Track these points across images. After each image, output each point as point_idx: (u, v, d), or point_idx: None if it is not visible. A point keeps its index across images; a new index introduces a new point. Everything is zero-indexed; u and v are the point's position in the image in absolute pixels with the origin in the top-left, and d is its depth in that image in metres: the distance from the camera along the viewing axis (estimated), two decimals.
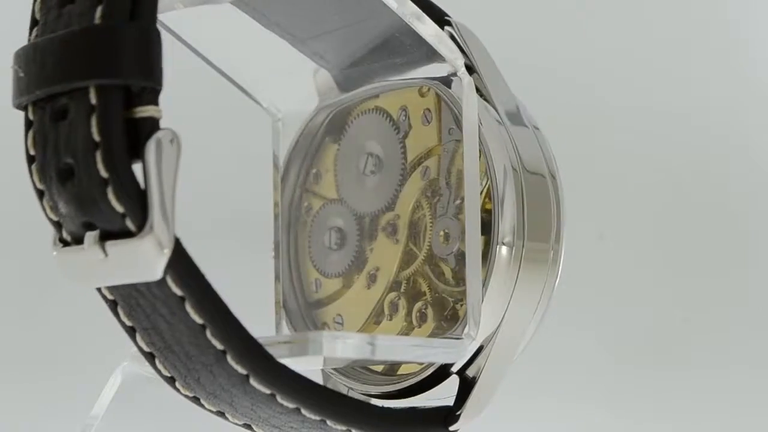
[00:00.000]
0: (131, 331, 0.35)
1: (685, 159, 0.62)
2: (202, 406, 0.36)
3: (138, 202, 0.31)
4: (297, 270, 0.45)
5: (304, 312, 0.45)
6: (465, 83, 0.39)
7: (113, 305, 0.35)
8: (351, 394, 0.41)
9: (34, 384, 0.56)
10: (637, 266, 0.61)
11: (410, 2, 0.38)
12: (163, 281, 0.32)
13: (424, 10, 0.39)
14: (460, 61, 0.40)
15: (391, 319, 0.42)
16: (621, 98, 0.62)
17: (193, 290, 0.32)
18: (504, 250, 0.38)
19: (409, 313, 0.41)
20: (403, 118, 0.42)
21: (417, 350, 0.38)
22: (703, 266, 0.61)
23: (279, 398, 0.34)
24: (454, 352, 0.38)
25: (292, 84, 0.44)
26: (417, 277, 0.41)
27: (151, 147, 0.31)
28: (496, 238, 0.38)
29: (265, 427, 0.37)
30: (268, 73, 0.44)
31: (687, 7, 0.63)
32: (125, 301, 0.34)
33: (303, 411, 0.35)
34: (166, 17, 0.39)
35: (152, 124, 0.31)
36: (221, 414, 0.37)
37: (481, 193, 0.39)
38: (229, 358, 0.33)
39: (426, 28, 0.39)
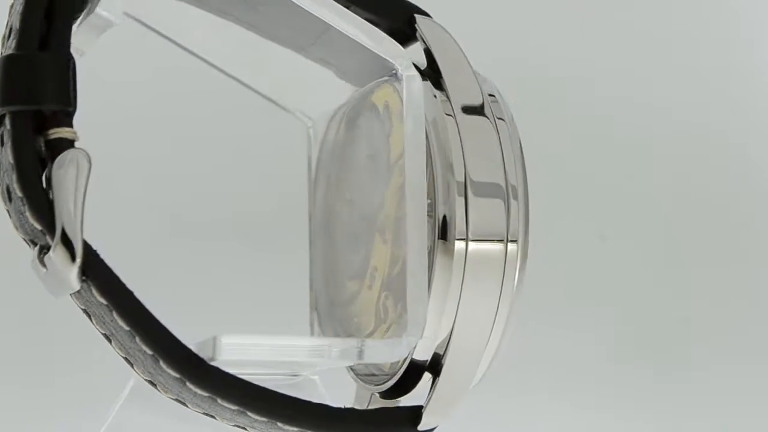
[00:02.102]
0: (106, 338, 0.37)
1: (687, 157, 0.62)
2: (188, 407, 0.37)
3: (50, 218, 0.33)
4: (332, 273, 0.45)
5: (335, 314, 0.45)
6: (405, 81, 0.39)
7: (87, 314, 0.36)
8: (373, 398, 0.41)
9: (41, 388, 0.57)
10: (637, 267, 0.61)
11: (335, 4, 0.38)
12: (89, 291, 0.34)
13: (387, 6, 0.39)
14: (400, 60, 0.39)
15: (385, 321, 0.42)
16: (621, 96, 0.62)
17: (113, 299, 0.34)
18: (443, 247, 0.37)
19: (395, 314, 0.42)
20: (386, 114, 0.42)
21: (350, 352, 0.38)
22: (705, 267, 0.61)
23: (219, 401, 0.35)
24: (395, 351, 0.38)
25: (316, 89, 0.45)
26: (404, 275, 0.41)
27: (55, 166, 0.33)
28: (436, 237, 0.37)
29: (250, 429, 0.38)
30: (292, 82, 0.44)
31: (692, 4, 0.63)
32: (89, 309, 0.36)
33: (248, 413, 0.36)
34: (183, 37, 0.40)
35: (64, 145, 0.34)
36: (210, 416, 0.37)
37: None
38: (161, 363, 0.34)
39: (354, 28, 0.38)
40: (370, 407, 0.41)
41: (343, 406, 0.38)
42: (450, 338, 0.38)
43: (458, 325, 0.38)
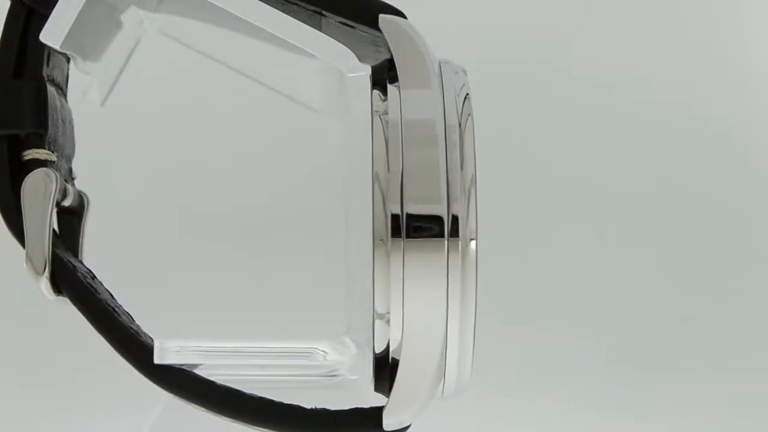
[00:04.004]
0: None
1: (687, 157, 0.62)
2: None
3: (23, 234, 0.38)
4: (348, 275, 0.45)
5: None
6: (348, 82, 0.38)
7: None
8: None
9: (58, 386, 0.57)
10: (637, 267, 0.61)
11: (277, 14, 0.39)
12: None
13: (351, 9, 0.39)
14: (345, 62, 0.39)
15: None
16: (621, 95, 0.62)
17: (83, 309, 0.38)
18: (379, 245, 0.37)
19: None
20: None
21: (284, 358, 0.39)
22: (705, 267, 0.61)
23: (187, 401, 0.37)
24: (340, 352, 0.38)
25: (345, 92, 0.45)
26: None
27: (23, 185, 0.37)
28: (374, 235, 0.37)
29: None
30: (320, 86, 0.45)
31: (693, 2, 0.63)
32: None
33: (214, 414, 0.38)
34: (215, 52, 0.43)
35: (35, 165, 0.38)
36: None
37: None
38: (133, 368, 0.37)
39: (295, 36, 0.39)
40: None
41: (315, 407, 0.39)
42: (402, 338, 0.38)
43: (407, 326, 0.37)
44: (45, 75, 0.40)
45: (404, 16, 0.40)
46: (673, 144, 0.62)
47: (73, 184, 0.43)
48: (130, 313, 0.40)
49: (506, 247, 0.59)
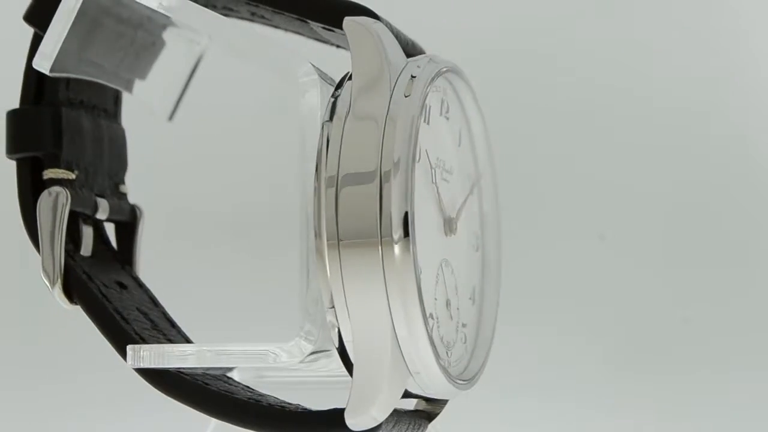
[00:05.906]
0: None
1: (687, 157, 0.62)
2: None
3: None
4: None
5: None
6: (299, 87, 0.39)
7: None
8: None
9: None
10: (637, 267, 0.61)
11: (237, 22, 0.41)
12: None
13: (321, 13, 0.40)
14: (298, 66, 0.39)
15: None
16: (621, 95, 0.62)
17: (91, 317, 0.41)
18: (317, 250, 0.37)
19: None
20: None
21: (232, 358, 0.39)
22: (705, 267, 0.61)
23: (181, 403, 0.39)
24: (291, 354, 0.38)
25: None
26: None
27: (37, 204, 0.41)
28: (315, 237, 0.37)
29: None
30: None
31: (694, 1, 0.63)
32: None
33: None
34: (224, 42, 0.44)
35: (51, 184, 0.42)
36: None
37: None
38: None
39: (255, 42, 0.39)
40: None
41: (298, 407, 0.39)
42: (352, 338, 0.37)
43: (353, 326, 0.37)
44: (65, 99, 0.43)
45: (376, 17, 0.39)
46: (673, 144, 0.62)
47: (121, 198, 0.46)
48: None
49: (505, 247, 0.59)
